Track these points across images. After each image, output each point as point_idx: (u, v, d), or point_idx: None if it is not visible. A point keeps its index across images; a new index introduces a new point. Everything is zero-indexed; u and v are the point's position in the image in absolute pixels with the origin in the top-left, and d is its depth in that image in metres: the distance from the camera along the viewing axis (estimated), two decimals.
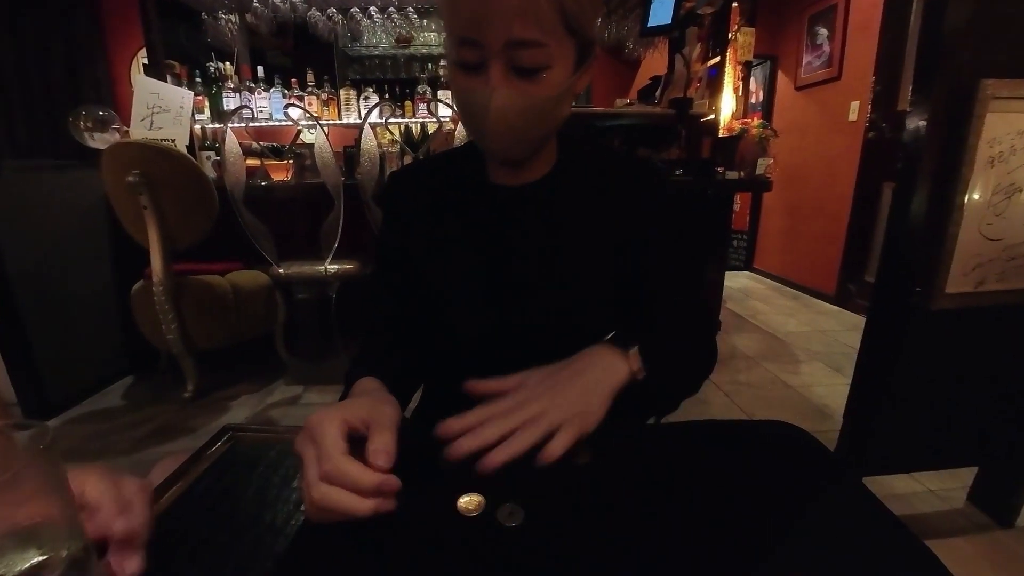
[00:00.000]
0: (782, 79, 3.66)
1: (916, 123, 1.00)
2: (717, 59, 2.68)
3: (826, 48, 3.15)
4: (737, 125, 3.13)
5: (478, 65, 0.48)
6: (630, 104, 2.70)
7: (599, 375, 0.45)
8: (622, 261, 0.59)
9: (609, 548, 0.32)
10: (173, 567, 0.25)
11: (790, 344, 2.50)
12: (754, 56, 3.09)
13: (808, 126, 3.40)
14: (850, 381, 1.21)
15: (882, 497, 0.37)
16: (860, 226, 2.96)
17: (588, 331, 0.58)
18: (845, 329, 2.71)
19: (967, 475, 1.30)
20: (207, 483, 0.42)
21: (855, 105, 2.95)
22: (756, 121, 3.15)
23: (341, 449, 0.35)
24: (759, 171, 3.04)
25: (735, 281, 3.80)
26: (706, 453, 0.39)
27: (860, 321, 2.67)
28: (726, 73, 2.74)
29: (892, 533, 0.26)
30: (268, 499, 0.40)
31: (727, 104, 2.96)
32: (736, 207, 3.61)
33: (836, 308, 3.10)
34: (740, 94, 3.28)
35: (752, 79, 3.75)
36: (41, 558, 0.26)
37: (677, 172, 2.24)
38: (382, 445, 0.35)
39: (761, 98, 3.82)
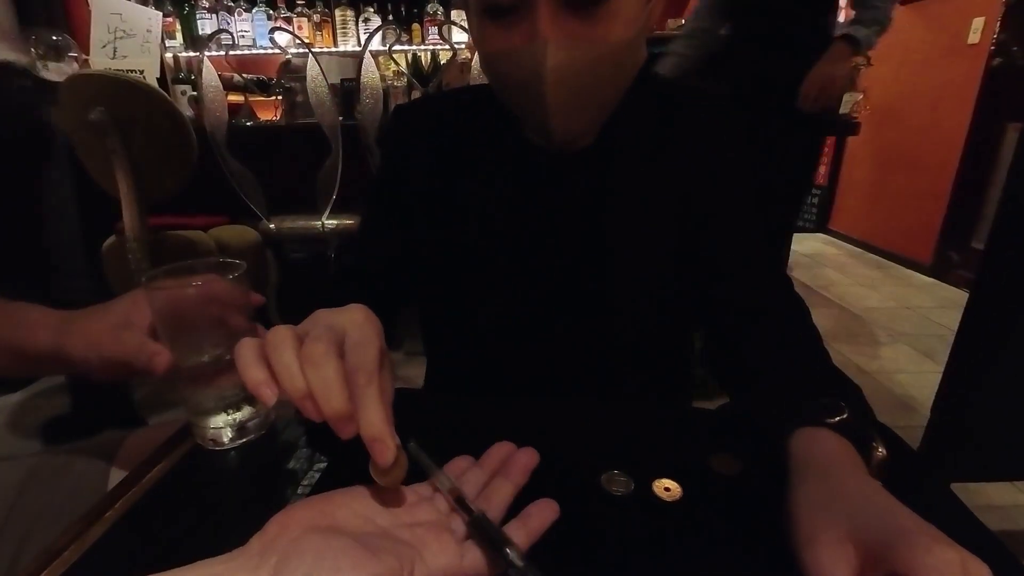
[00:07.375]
0: None
1: None
2: None
3: None
4: None
5: (512, 7, 0.42)
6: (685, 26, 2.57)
7: (866, 483, 0.33)
8: (690, 234, 0.56)
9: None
10: (153, 558, 0.26)
11: (870, 322, 2.46)
12: None
13: (912, 51, 3.19)
14: (942, 369, 1.19)
15: (974, 508, 0.37)
16: (971, 178, 2.81)
17: (637, 323, 0.57)
18: (940, 306, 2.63)
19: None
20: (191, 464, 0.44)
21: (978, 23, 2.75)
22: None
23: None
24: (844, 110, 2.89)
25: (805, 244, 3.72)
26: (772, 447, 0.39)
27: (961, 297, 2.59)
28: None
29: (985, 550, 0.26)
30: (259, 483, 0.42)
31: None
32: None
33: (931, 280, 3.01)
34: None
35: None
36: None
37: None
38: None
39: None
